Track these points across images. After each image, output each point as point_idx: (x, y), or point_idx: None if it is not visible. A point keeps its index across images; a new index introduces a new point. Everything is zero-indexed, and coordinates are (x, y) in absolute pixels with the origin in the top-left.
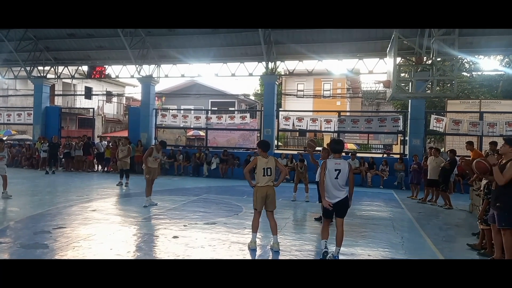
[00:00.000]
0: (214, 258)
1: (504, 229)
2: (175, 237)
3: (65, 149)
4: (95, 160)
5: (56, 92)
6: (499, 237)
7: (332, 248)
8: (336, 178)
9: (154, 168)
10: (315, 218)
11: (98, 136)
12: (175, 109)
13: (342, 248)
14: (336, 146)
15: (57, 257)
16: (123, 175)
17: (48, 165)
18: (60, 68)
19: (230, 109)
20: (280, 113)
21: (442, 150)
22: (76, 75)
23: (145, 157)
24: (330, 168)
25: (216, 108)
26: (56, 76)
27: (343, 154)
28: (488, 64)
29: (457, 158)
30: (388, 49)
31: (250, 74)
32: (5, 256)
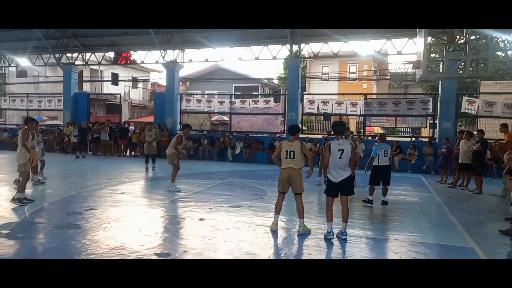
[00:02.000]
0: (240, 240)
1: None
2: (201, 219)
3: (94, 134)
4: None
5: (84, 79)
6: None
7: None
8: (340, 158)
9: (177, 153)
10: (362, 200)
11: (124, 122)
12: (199, 94)
13: (368, 232)
14: (337, 128)
15: (89, 237)
16: (148, 160)
17: (78, 150)
18: (87, 55)
19: (253, 93)
20: (305, 96)
21: (474, 133)
22: (103, 61)
23: (176, 145)
24: (334, 149)
25: (239, 93)
26: (84, 63)
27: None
28: None
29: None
30: (418, 28)
31: (274, 58)
32: (41, 236)
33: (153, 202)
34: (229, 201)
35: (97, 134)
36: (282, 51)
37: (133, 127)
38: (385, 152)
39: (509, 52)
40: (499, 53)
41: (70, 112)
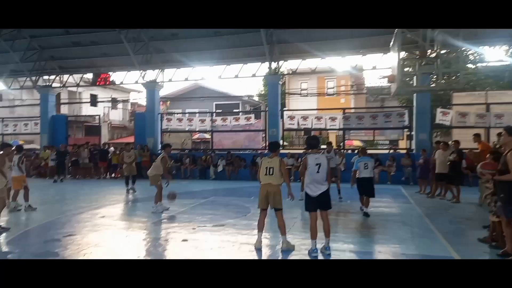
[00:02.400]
0: (224, 259)
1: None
2: (184, 240)
3: (73, 157)
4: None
5: (62, 101)
6: (509, 229)
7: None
8: (318, 172)
9: (160, 174)
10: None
11: (103, 143)
12: (180, 113)
13: (352, 246)
14: (311, 142)
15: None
16: (129, 181)
17: (57, 174)
18: (65, 77)
19: (234, 110)
20: (285, 112)
21: (450, 143)
22: (81, 83)
23: (164, 168)
24: (311, 163)
25: (220, 110)
26: (62, 85)
27: (349, 151)
28: (493, 55)
29: (464, 151)
30: (391, 43)
31: (254, 75)
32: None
33: (135, 225)
34: (213, 220)
35: (76, 157)
36: (261, 68)
37: (112, 149)
38: (365, 164)
39: (479, 64)
40: (470, 65)
41: (47, 135)
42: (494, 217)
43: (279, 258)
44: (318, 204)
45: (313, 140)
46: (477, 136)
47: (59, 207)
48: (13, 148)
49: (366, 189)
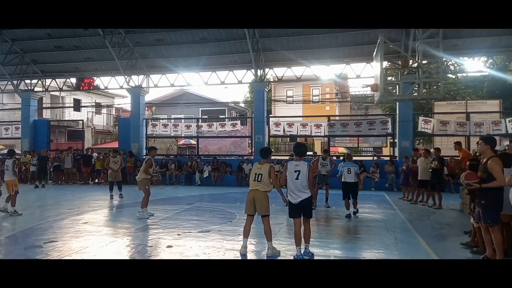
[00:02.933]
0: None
1: (492, 226)
2: (169, 246)
3: (55, 162)
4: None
5: (44, 105)
6: (489, 235)
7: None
8: (297, 179)
9: (149, 178)
10: (345, 216)
11: (87, 148)
12: (165, 119)
13: (337, 251)
14: (297, 149)
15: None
16: (113, 187)
17: (38, 179)
18: (48, 81)
19: (220, 116)
20: (271, 119)
21: (432, 150)
22: (64, 88)
23: (147, 169)
24: (290, 169)
25: (206, 116)
26: (44, 89)
27: (335, 158)
28: (472, 66)
29: (445, 158)
30: (374, 53)
31: (240, 82)
32: None
33: (118, 231)
34: (198, 226)
35: (59, 162)
36: (247, 75)
37: (96, 154)
38: (349, 169)
39: (459, 74)
40: (450, 75)
41: (28, 140)
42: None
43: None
44: (300, 211)
45: (300, 147)
46: (458, 144)
47: (40, 212)
48: None
49: (351, 192)
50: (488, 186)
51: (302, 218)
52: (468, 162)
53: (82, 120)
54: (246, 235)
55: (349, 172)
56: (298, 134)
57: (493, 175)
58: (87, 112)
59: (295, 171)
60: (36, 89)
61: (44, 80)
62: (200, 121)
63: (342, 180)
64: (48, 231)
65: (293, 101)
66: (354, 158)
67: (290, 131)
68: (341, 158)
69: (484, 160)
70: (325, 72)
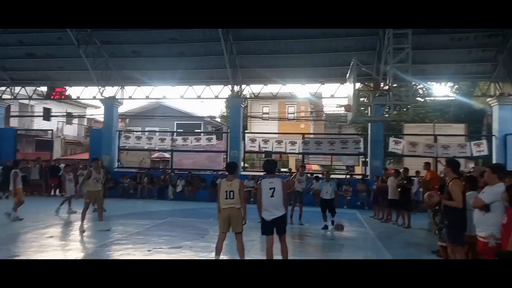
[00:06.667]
0: None
1: (455, 246)
2: None
3: (21, 173)
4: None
5: (12, 113)
6: (454, 255)
7: None
8: (272, 196)
9: (95, 191)
10: (321, 228)
11: (54, 159)
12: (139, 131)
13: None
14: (268, 166)
15: None
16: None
17: (1, 190)
18: (17, 89)
19: (196, 131)
20: (246, 135)
21: (401, 171)
22: (34, 96)
23: (84, 180)
24: (264, 187)
25: (181, 130)
26: (12, 97)
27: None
28: (440, 90)
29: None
30: (347, 75)
31: (216, 97)
32: None
33: (86, 246)
34: (169, 242)
35: (25, 173)
36: (224, 91)
37: (63, 165)
38: (327, 187)
39: (427, 98)
40: (419, 98)
41: None
42: (442, 242)
43: None
44: (273, 228)
45: (270, 164)
46: (427, 165)
47: (3, 226)
48: None
49: (326, 207)
50: (446, 204)
51: (275, 235)
52: (437, 185)
53: (52, 130)
54: (218, 252)
55: (326, 191)
56: (273, 150)
57: (452, 196)
58: (58, 121)
59: (270, 189)
60: (4, 96)
61: (13, 87)
62: (175, 135)
63: (320, 196)
64: (11, 245)
65: (269, 118)
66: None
67: (266, 147)
68: (315, 175)
69: (448, 182)
70: (301, 90)
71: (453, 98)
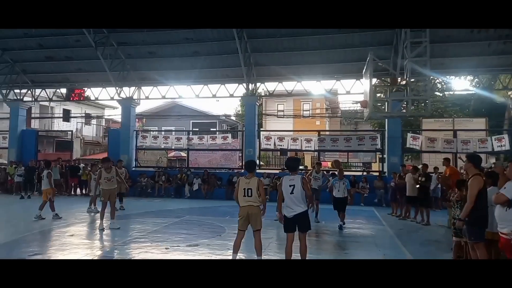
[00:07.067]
0: None
1: (476, 243)
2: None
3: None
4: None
5: (33, 115)
6: (474, 252)
7: None
8: (292, 193)
9: (108, 190)
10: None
11: (74, 159)
12: (156, 131)
13: None
14: (290, 164)
15: None
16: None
17: (24, 190)
18: (38, 91)
19: (211, 129)
20: (261, 133)
21: (419, 167)
22: (54, 98)
23: (97, 181)
24: (285, 184)
25: (197, 129)
26: (33, 99)
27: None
28: (459, 84)
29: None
30: (364, 70)
31: (231, 95)
32: None
33: (105, 244)
34: (187, 240)
35: None
36: (239, 89)
37: (83, 165)
38: (339, 185)
39: (446, 93)
40: (438, 93)
41: (15, 150)
42: (456, 237)
43: None
44: (295, 225)
45: (292, 162)
46: (446, 161)
47: (25, 224)
48: None
49: (339, 206)
50: (465, 209)
51: (298, 232)
52: (455, 181)
53: (71, 131)
54: (236, 250)
55: (338, 189)
56: (289, 148)
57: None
58: (77, 122)
59: (290, 186)
60: (25, 99)
61: (33, 90)
62: (190, 134)
63: (333, 194)
64: (33, 243)
65: (284, 115)
66: (344, 173)
67: (281, 145)
68: (331, 172)
69: (468, 178)
70: (316, 87)
71: (473, 91)
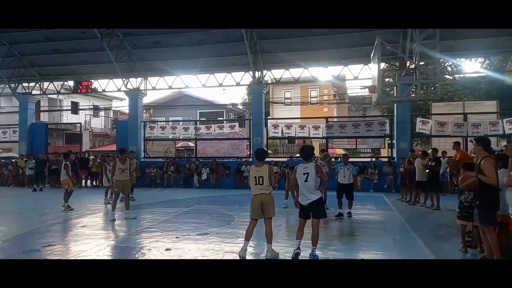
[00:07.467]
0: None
1: (486, 226)
2: (167, 249)
3: (53, 166)
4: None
5: (41, 108)
6: (485, 236)
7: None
8: (306, 181)
9: (122, 180)
10: (334, 216)
11: (84, 151)
12: (163, 121)
13: (336, 253)
14: (303, 153)
15: None
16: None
17: (36, 182)
18: (46, 84)
19: (218, 119)
20: (269, 121)
21: (428, 151)
22: (62, 90)
23: (112, 172)
24: (299, 172)
25: (204, 119)
26: (42, 92)
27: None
28: (469, 66)
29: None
30: (371, 55)
31: (238, 84)
32: None
33: (117, 234)
34: (197, 229)
35: (57, 166)
36: (245, 77)
37: (92, 157)
38: (344, 171)
39: (456, 76)
40: (447, 76)
41: (26, 143)
42: (460, 220)
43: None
44: (309, 213)
45: (306, 150)
46: (457, 144)
47: (38, 216)
48: None
49: (346, 192)
50: (481, 180)
51: (311, 219)
52: (463, 168)
53: (80, 123)
54: (248, 238)
55: (344, 175)
56: (296, 135)
57: (485, 175)
58: (85, 115)
59: (304, 174)
60: (33, 92)
61: (41, 83)
62: (198, 123)
63: (338, 180)
64: (46, 234)
65: (291, 103)
66: (353, 159)
67: (288, 133)
68: (339, 159)
69: (478, 161)
70: (323, 73)
71: (484, 74)
